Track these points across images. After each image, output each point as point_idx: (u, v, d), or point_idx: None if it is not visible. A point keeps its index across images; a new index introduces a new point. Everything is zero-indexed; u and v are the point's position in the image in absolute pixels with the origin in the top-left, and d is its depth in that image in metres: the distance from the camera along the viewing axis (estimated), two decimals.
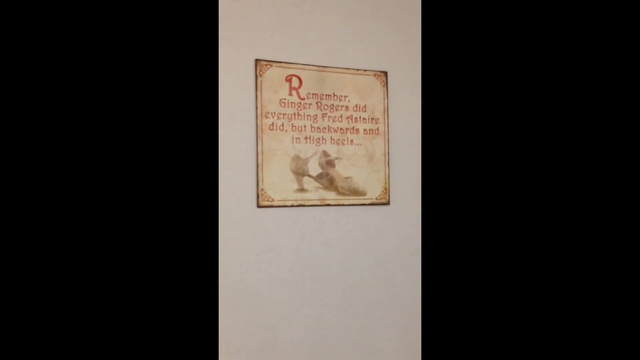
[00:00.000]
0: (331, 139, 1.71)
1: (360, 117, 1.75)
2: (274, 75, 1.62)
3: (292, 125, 1.65)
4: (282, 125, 1.63)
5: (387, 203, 1.79)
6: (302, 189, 1.65)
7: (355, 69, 1.75)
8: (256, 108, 1.60)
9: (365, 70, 1.76)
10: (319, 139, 1.69)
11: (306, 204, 1.66)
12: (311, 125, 1.68)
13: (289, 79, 1.65)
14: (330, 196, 1.70)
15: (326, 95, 1.70)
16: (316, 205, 1.68)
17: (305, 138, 1.67)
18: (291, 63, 1.65)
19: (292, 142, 1.65)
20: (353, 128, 1.74)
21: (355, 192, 1.74)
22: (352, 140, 1.74)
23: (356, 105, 1.75)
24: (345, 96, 1.73)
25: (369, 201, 1.76)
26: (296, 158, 1.65)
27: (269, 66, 1.62)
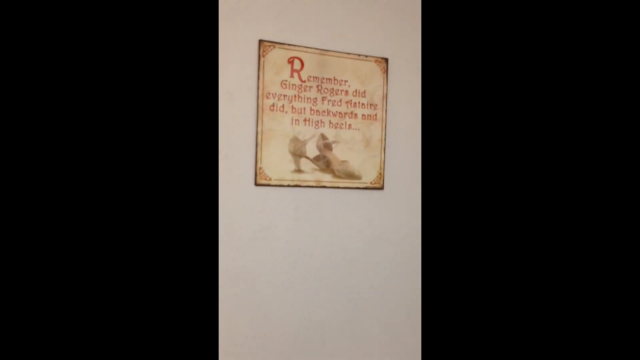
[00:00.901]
0: (330, 122, 1.73)
1: (359, 102, 1.78)
2: (276, 56, 1.64)
3: (292, 107, 1.67)
4: (283, 106, 1.66)
5: (381, 188, 1.83)
6: (299, 170, 1.69)
7: (356, 54, 1.77)
8: (258, 88, 1.62)
9: (366, 56, 1.78)
10: (317, 121, 1.71)
11: (302, 184, 1.69)
12: (311, 107, 1.70)
13: (291, 61, 1.67)
14: (326, 178, 1.73)
15: (327, 79, 1.73)
16: (312, 187, 1.71)
17: (305, 120, 1.70)
18: (294, 45, 1.67)
19: (292, 123, 1.67)
20: (352, 113, 1.77)
21: (351, 175, 1.77)
22: (350, 125, 1.77)
23: (356, 91, 1.77)
24: (346, 81, 1.75)
25: (364, 185, 1.80)
26: (295, 139, 1.68)
27: (272, 47, 1.64)
